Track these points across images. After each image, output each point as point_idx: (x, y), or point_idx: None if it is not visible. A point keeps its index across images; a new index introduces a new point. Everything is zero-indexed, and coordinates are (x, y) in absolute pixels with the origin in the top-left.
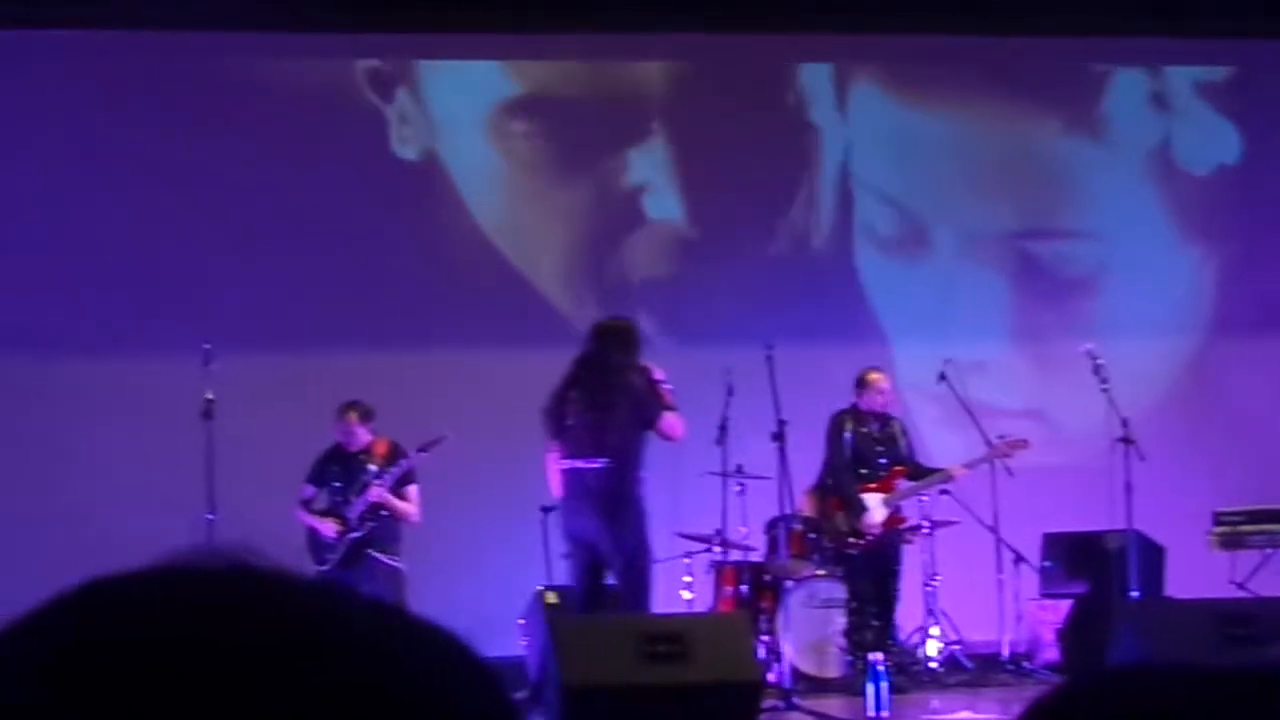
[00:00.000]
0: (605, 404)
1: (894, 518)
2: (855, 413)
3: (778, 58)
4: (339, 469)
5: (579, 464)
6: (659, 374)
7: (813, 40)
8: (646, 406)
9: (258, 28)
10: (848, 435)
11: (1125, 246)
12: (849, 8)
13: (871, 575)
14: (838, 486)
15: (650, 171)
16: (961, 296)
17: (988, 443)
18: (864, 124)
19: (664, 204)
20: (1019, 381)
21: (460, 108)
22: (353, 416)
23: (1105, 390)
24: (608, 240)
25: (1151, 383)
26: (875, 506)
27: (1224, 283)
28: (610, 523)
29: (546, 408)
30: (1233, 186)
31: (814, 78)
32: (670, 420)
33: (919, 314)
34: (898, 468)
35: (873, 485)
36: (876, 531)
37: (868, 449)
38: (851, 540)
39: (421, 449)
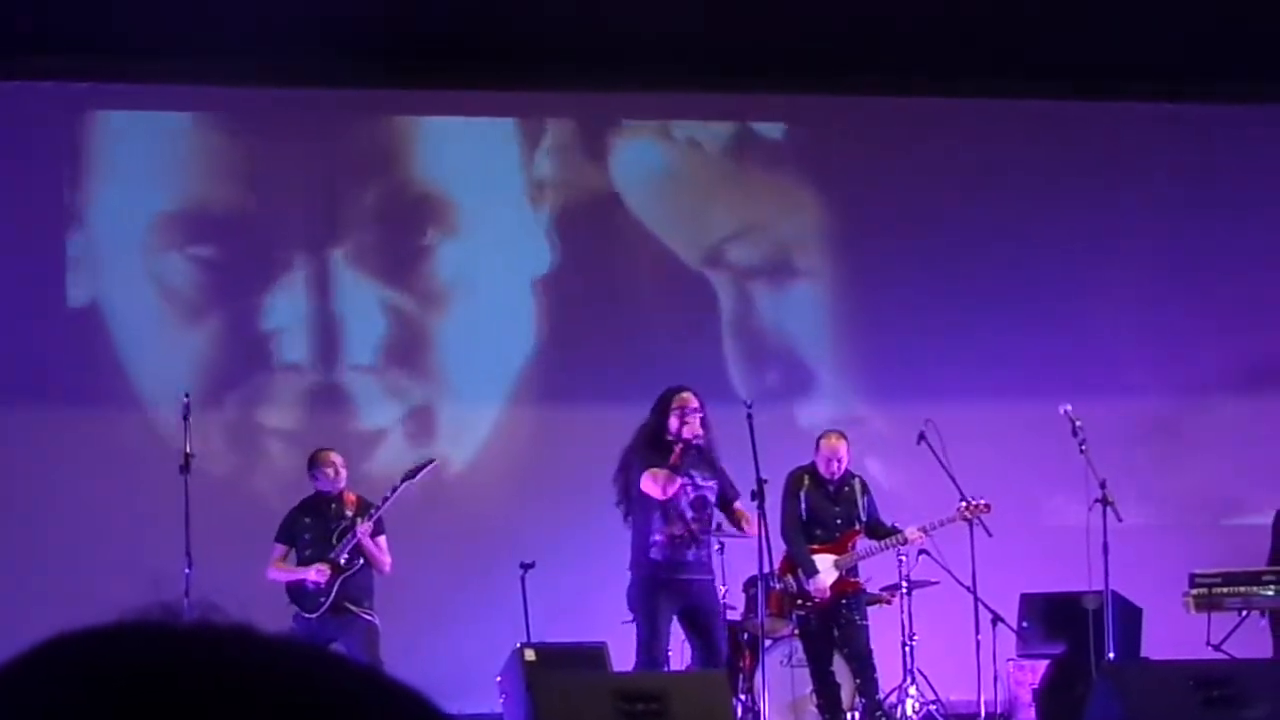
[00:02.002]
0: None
1: (846, 580)
2: (812, 471)
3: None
4: (311, 521)
5: None
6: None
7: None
8: (628, 468)
9: None
10: (803, 494)
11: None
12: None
13: (825, 636)
14: (790, 547)
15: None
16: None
17: (962, 504)
18: None
19: None
20: (997, 440)
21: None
22: (334, 456)
23: (1083, 451)
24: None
25: (1129, 444)
26: (825, 569)
27: (1199, 343)
28: None
29: None
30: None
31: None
32: (645, 480)
33: (898, 373)
34: (853, 528)
35: (827, 546)
36: (824, 595)
37: (823, 509)
38: (800, 601)
39: (409, 475)
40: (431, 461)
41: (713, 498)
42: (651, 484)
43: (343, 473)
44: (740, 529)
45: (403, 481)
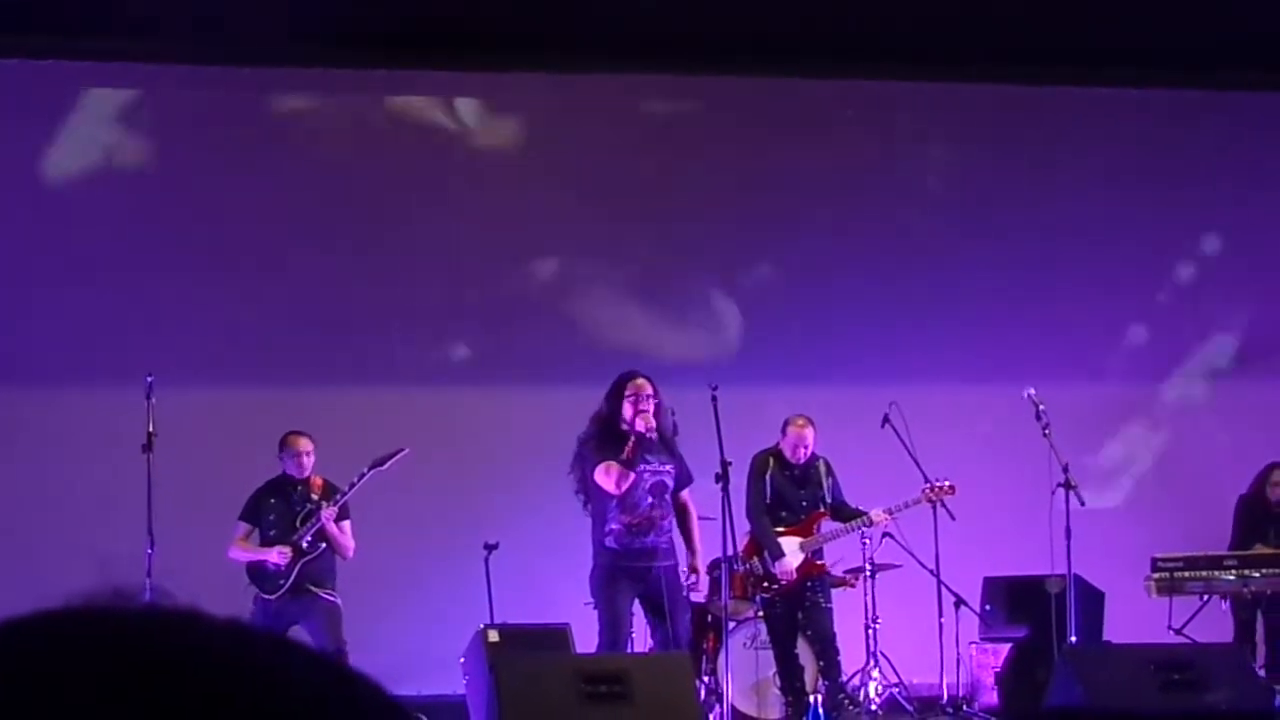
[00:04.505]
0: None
1: (811, 562)
2: (778, 454)
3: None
4: (276, 501)
5: None
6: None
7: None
8: (583, 458)
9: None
10: (768, 477)
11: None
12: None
13: (789, 618)
14: (755, 529)
15: None
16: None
17: (926, 486)
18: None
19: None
20: (961, 424)
21: None
22: (304, 440)
23: (1046, 435)
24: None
25: (1092, 428)
26: (791, 551)
27: (1160, 327)
28: None
29: None
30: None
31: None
32: (599, 473)
33: (865, 354)
34: (818, 511)
35: (792, 528)
36: (790, 577)
37: (788, 491)
38: (766, 584)
39: (377, 463)
40: (401, 450)
41: (670, 481)
42: (605, 478)
43: (310, 459)
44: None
45: (370, 469)
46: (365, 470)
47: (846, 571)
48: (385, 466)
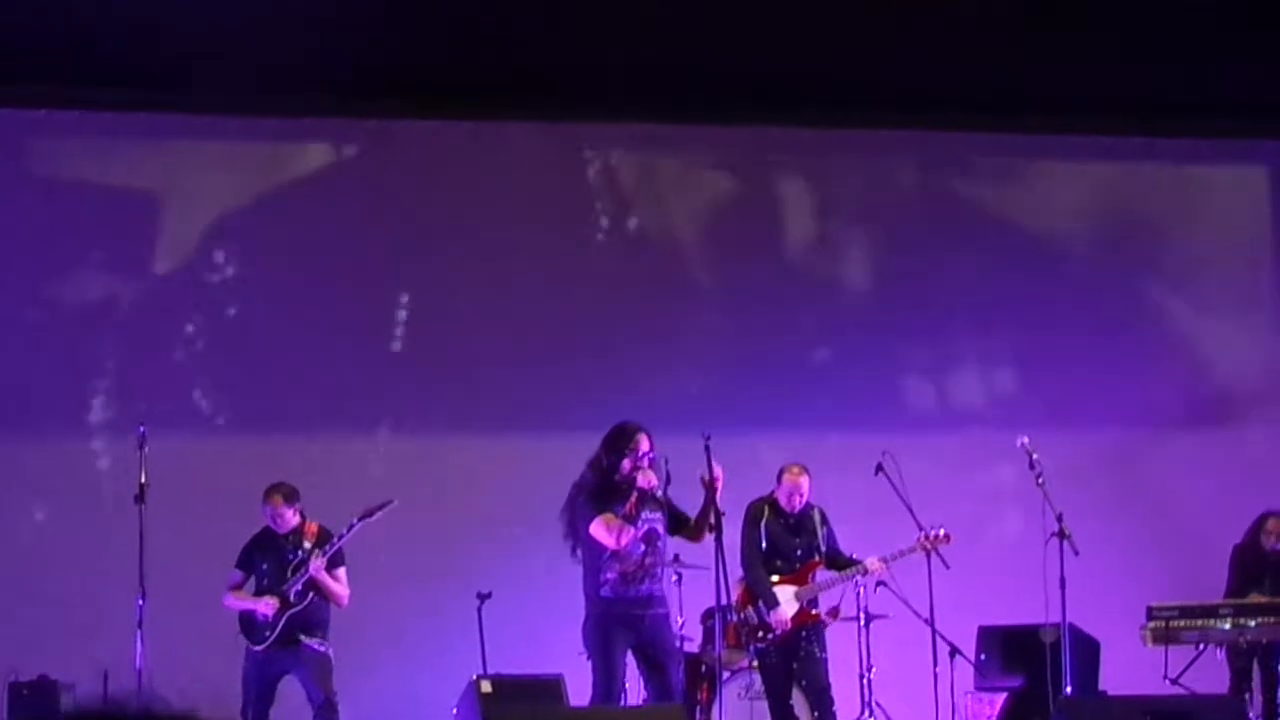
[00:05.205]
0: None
1: (806, 612)
2: (773, 503)
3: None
4: (268, 551)
5: None
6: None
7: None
8: (577, 507)
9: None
10: (763, 526)
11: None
12: None
13: (784, 668)
14: (750, 578)
15: None
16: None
17: (921, 535)
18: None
19: None
20: (955, 472)
21: None
22: (277, 499)
23: (1040, 484)
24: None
25: (1084, 476)
26: (787, 600)
27: (1156, 377)
28: None
29: None
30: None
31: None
32: (596, 526)
33: (857, 402)
34: (813, 560)
35: (787, 577)
36: (785, 626)
37: (783, 540)
38: (761, 634)
39: (366, 515)
40: (390, 502)
41: (662, 529)
42: (605, 533)
43: (288, 516)
44: (693, 537)
45: (359, 520)
46: (354, 521)
47: (826, 612)
48: (373, 518)
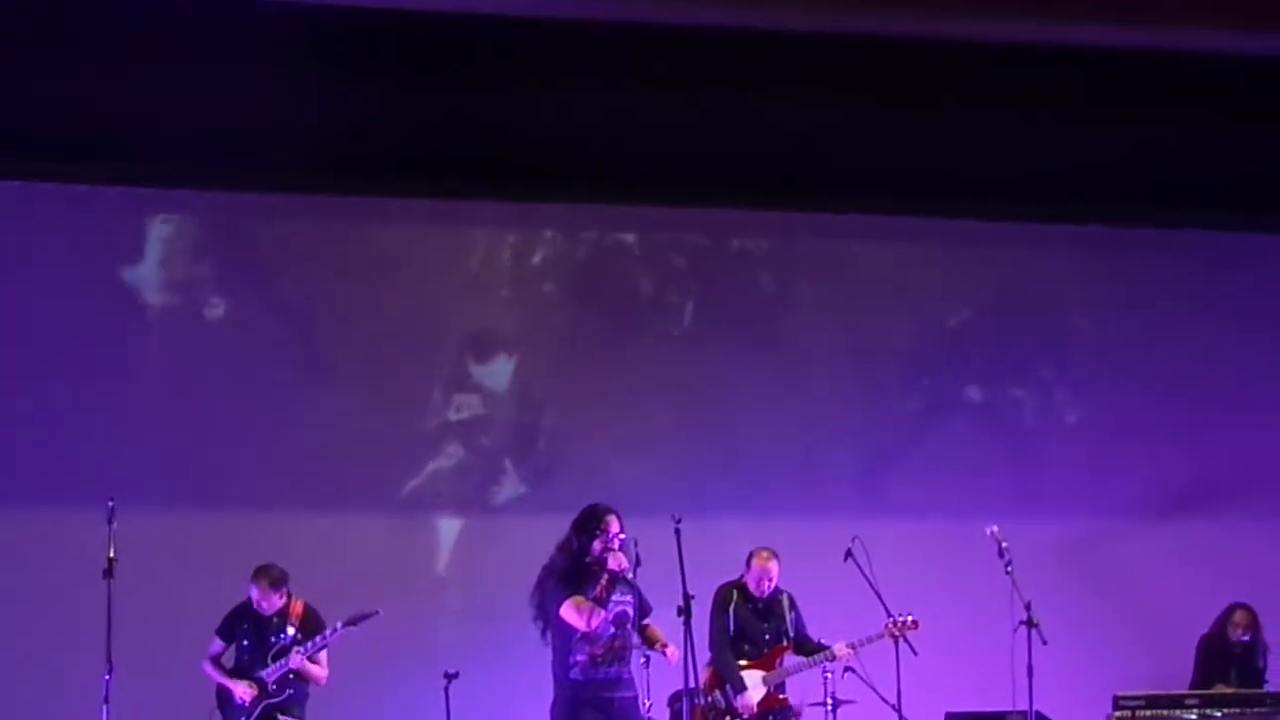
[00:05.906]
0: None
1: (773, 697)
2: (741, 587)
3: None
4: (250, 626)
5: None
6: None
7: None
8: (546, 589)
9: None
10: (732, 610)
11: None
12: None
13: None
14: (718, 662)
15: None
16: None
17: (889, 621)
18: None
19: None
20: (924, 559)
21: None
22: (264, 584)
23: (1009, 572)
24: None
25: (1052, 565)
26: (754, 685)
27: (1125, 466)
28: None
29: None
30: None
31: None
32: (567, 609)
33: (828, 489)
34: (781, 644)
35: (755, 662)
36: (751, 711)
37: (751, 625)
38: (728, 718)
39: (349, 622)
40: (375, 612)
41: (632, 612)
42: (575, 615)
43: (272, 599)
44: (654, 648)
45: (343, 626)
46: (338, 626)
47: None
48: (356, 626)
